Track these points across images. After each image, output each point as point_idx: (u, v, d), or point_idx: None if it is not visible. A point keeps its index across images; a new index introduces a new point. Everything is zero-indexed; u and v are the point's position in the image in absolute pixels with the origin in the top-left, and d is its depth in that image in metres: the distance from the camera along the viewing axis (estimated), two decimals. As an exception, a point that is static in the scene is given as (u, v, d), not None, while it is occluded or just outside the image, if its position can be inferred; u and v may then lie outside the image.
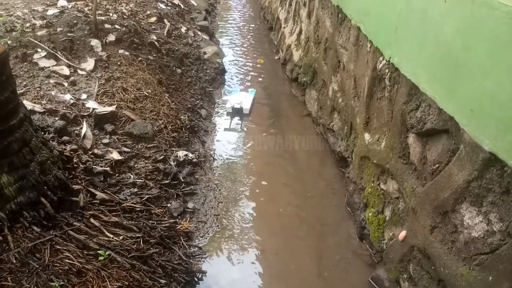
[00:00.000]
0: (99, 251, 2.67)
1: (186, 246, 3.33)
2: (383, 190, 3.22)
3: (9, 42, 4.52)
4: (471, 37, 1.97)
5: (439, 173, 2.31)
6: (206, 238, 3.56)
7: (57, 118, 3.69)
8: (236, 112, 5.63)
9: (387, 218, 3.12)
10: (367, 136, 3.55)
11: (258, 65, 7.46)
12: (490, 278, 1.87)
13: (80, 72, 4.56)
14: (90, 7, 5.75)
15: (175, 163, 4.05)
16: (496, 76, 1.78)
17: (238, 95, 6.01)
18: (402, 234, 2.75)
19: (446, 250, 2.24)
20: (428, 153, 2.49)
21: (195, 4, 9.52)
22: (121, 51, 5.16)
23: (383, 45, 3.11)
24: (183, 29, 7.33)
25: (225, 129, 5.38)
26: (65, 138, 3.47)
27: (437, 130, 2.35)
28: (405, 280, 2.75)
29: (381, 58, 3.15)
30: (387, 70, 3.03)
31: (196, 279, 3.14)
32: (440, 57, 2.25)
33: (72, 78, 4.40)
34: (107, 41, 5.20)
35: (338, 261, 3.44)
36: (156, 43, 5.86)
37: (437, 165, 2.37)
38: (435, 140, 2.43)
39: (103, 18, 5.67)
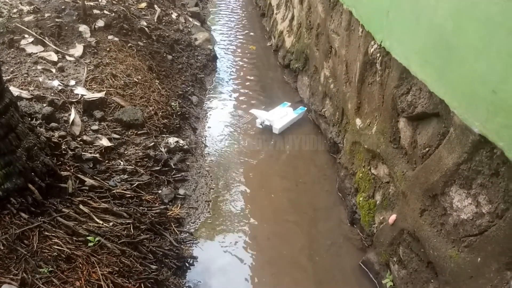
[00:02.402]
0: (88, 237, 2.65)
1: (177, 232, 3.32)
2: (374, 174, 3.22)
3: (-5, 27, 4.43)
4: (463, 19, 1.95)
5: (429, 157, 2.31)
6: (197, 224, 3.56)
7: (45, 105, 3.63)
8: (266, 129, 4.98)
9: (377, 202, 3.13)
10: (358, 121, 3.54)
11: (250, 52, 7.40)
12: (479, 259, 1.88)
13: (68, 58, 4.49)
14: (78, -8, 5.64)
15: (165, 149, 4.02)
16: (487, 58, 1.76)
17: (282, 109, 5.19)
18: (392, 217, 2.76)
19: (435, 232, 2.25)
20: (418, 137, 2.49)
21: (186, -10, 9.38)
22: (110, 37, 5.08)
23: (374, 29, 3.08)
24: (174, 15, 7.23)
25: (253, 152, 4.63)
26: (53, 124, 3.42)
27: (427, 113, 2.34)
28: (394, 263, 2.77)
29: (372, 43, 3.12)
30: (378, 54, 3.01)
31: (187, 264, 3.15)
32: (432, 39, 2.23)
33: (60, 64, 4.33)
34: (96, 26, 5.11)
35: (329, 245, 3.45)
36: (146, 29, 5.78)
37: (427, 149, 2.36)
38: (425, 124, 2.42)
39: (91, 3, 5.57)
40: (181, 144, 4.21)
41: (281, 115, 5.02)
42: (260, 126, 5.01)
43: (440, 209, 2.23)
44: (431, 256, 2.27)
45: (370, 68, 3.23)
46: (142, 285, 2.68)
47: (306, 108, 5.32)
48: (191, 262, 3.18)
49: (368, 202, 3.25)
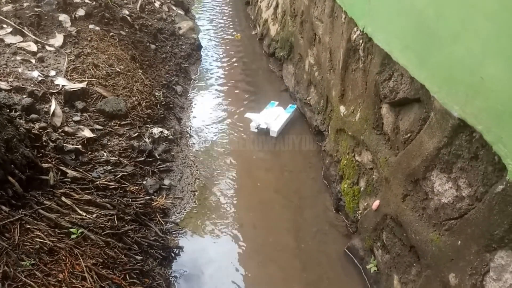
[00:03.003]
0: (71, 229, 2.61)
1: (163, 223, 3.31)
2: (358, 161, 3.24)
3: (-29, 17, 4.32)
4: (443, 3, 1.95)
5: (411, 142, 2.32)
6: (183, 214, 3.55)
7: (24, 96, 3.56)
8: (262, 132, 4.69)
9: (361, 189, 3.15)
10: (342, 108, 3.55)
11: (235, 41, 7.34)
12: (459, 242, 1.90)
13: (48, 48, 4.40)
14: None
15: (150, 140, 3.98)
16: (466, 41, 1.76)
17: (272, 110, 4.91)
18: (376, 203, 2.78)
19: (417, 217, 2.27)
20: (400, 123, 2.50)
21: (169, -22, 9.23)
22: (91, 26, 4.98)
23: (357, 15, 3.07)
24: (157, 4, 7.12)
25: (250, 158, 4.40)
26: (33, 116, 3.35)
27: (409, 99, 2.35)
28: (378, 248, 2.80)
29: (355, 29, 3.11)
30: (361, 41, 3.00)
31: (173, 254, 3.14)
32: (413, 25, 2.23)
33: (39, 54, 4.24)
34: (76, 16, 5.01)
35: (315, 232, 3.47)
36: (128, 18, 5.68)
37: (409, 134, 2.38)
38: (407, 109, 2.43)
39: (71, -9, 5.44)
40: (165, 134, 4.17)
41: (275, 117, 4.73)
42: (255, 130, 4.68)
43: (422, 193, 2.25)
44: (413, 240, 2.30)
45: (353, 54, 3.22)
46: (127, 276, 2.67)
47: (296, 106, 5.11)
48: (177, 252, 3.17)
49: (352, 188, 3.27)
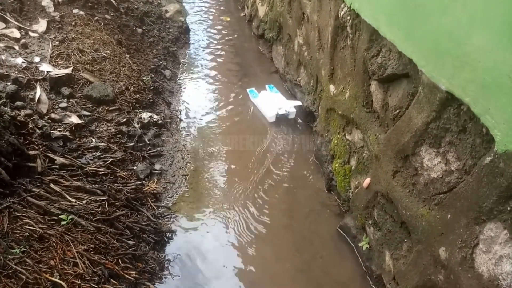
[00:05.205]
0: (61, 216, 2.59)
1: (155, 207, 3.30)
2: (348, 140, 3.23)
3: (-50, 4, 4.19)
4: (429, -26, 1.92)
5: (400, 118, 2.31)
6: (175, 198, 3.53)
7: (8, 83, 3.48)
8: (280, 118, 4.59)
9: (352, 167, 3.15)
10: (332, 87, 3.52)
11: (224, 23, 7.23)
12: (449, 216, 1.91)
13: (31, 34, 4.29)
14: (39, -36, 5.35)
15: (139, 125, 3.94)
16: (453, 13, 1.74)
17: (266, 96, 4.79)
18: (367, 181, 2.78)
19: (407, 193, 2.27)
20: (389, 99, 2.48)
21: (155, -39, 9.02)
22: (75, 10, 4.87)
23: (344, -8, 3.02)
24: (143, -13, 6.97)
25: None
26: (19, 103, 3.29)
27: (397, 75, 2.33)
28: (370, 226, 2.81)
29: (342, 5, 3.07)
30: (348, 17, 2.96)
31: (166, 238, 3.14)
32: (399, -2, 2.20)
33: (23, 40, 4.14)
34: (59, 0, 4.88)
35: (307, 213, 3.48)
36: (113, 1, 5.54)
37: (398, 111, 2.36)
38: (396, 85, 2.41)
39: (53, -24, 5.30)
40: (155, 119, 4.13)
41: (276, 99, 4.68)
42: (274, 120, 4.57)
43: (412, 169, 2.25)
44: (404, 216, 2.31)
45: (342, 32, 3.18)
46: (119, 260, 2.67)
47: (273, 86, 5.12)
48: (170, 236, 3.17)
49: (343, 168, 3.27)
